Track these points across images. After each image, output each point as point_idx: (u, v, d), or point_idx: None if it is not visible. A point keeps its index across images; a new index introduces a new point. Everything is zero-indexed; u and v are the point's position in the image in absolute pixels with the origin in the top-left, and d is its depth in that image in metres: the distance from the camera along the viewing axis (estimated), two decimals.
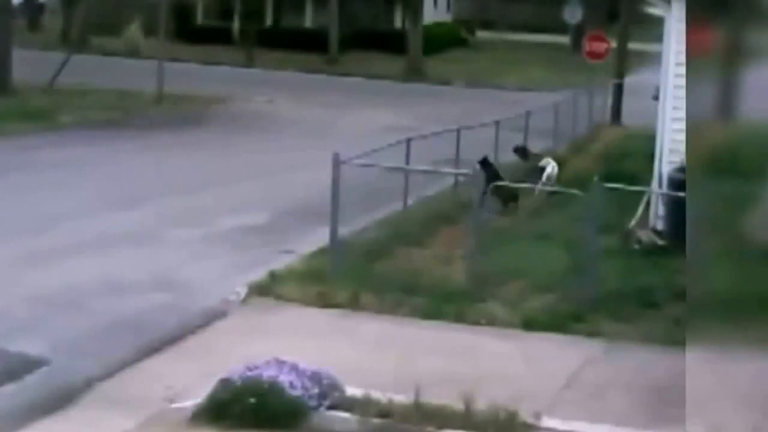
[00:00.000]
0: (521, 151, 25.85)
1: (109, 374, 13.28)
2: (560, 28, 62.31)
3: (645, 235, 19.51)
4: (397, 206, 21.58)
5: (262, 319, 15.62)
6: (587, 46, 39.86)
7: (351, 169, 17.66)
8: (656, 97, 21.41)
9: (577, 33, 55.50)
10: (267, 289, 16.66)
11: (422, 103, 42.41)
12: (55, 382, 12.93)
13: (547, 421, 11.76)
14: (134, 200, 22.74)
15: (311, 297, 16.25)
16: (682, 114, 17.55)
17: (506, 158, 26.96)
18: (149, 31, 51.34)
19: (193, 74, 45.09)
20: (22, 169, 25.62)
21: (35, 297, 15.87)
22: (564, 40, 63.14)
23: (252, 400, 11.58)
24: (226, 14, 61.96)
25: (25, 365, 13.28)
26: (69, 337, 14.39)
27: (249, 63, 54.21)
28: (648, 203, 20.39)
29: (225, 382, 11.87)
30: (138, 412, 12.08)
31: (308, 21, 63.65)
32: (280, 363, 12.01)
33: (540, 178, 23.53)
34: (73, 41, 47.72)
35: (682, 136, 17.64)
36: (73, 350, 13.95)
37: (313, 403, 11.68)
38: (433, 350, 14.26)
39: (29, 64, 39.12)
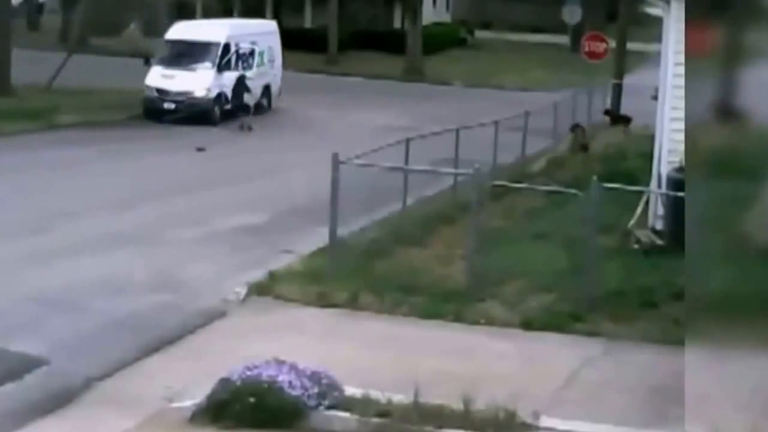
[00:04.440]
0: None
1: (108, 374, 13.30)
2: (560, 28, 62.23)
3: (644, 235, 19.52)
4: (396, 206, 21.58)
5: (261, 319, 15.63)
6: (586, 46, 39.80)
7: (350, 169, 17.67)
8: (655, 97, 21.42)
9: (577, 33, 55.39)
10: (266, 288, 16.68)
11: (421, 103, 42.42)
12: (55, 381, 12.96)
13: (546, 421, 11.77)
14: (134, 200, 22.77)
15: (311, 297, 16.26)
16: (681, 114, 17.56)
17: (505, 158, 27.00)
18: (149, 31, 51.28)
19: None
20: (22, 169, 25.64)
21: (35, 297, 15.88)
22: (563, 40, 63.08)
23: (251, 399, 11.60)
24: (226, 14, 61.93)
25: (25, 365, 13.30)
26: (69, 337, 14.41)
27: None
28: (647, 203, 20.40)
29: (224, 382, 11.88)
30: (137, 411, 12.09)
31: (308, 21, 63.65)
32: (280, 363, 12.03)
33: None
34: (72, 41, 47.63)
35: (681, 136, 17.65)
36: (73, 350, 13.96)
37: (312, 402, 11.69)
38: (433, 350, 14.27)
39: (29, 64, 39.12)
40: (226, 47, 37.31)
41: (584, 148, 30.42)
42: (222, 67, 36.88)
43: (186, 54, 36.86)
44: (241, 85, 36.83)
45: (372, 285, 16.58)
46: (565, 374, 13.55)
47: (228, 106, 36.48)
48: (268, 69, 39.85)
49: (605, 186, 16.69)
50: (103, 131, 32.54)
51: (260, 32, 40.29)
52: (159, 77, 36.37)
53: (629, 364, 14.07)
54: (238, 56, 37.90)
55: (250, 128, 34.71)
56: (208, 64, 36.71)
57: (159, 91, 35.98)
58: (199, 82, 36.10)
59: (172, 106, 35.41)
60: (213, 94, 36.07)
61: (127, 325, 15.06)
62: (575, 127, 31.51)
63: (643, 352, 14.43)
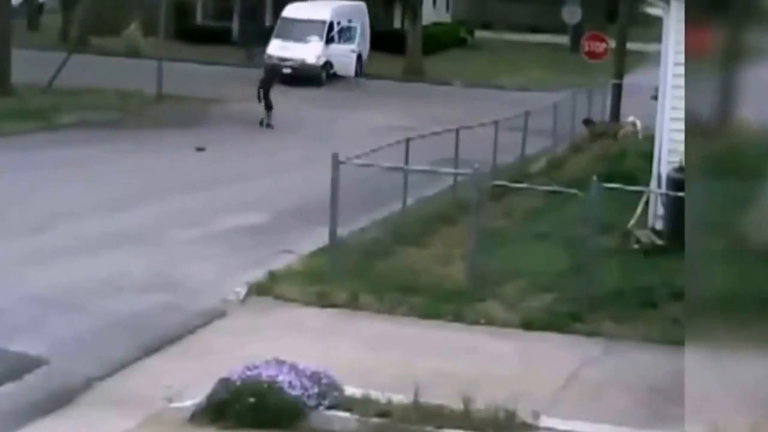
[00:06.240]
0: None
1: (108, 374, 13.31)
2: (560, 28, 62.18)
3: (644, 235, 19.53)
4: (396, 206, 21.58)
5: (261, 318, 15.63)
6: (586, 45, 39.74)
7: (350, 169, 17.67)
8: (655, 98, 21.42)
9: (577, 33, 55.30)
10: (266, 288, 16.69)
11: (421, 103, 42.39)
12: (55, 381, 12.96)
13: (546, 421, 11.78)
14: (134, 200, 22.76)
15: (310, 297, 16.27)
16: (681, 114, 17.56)
17: (505, 158, 26.99)
18: (149, 31, 51.24)
19: (193, 74, 45.06)
20: (22, 169, 25.63)
21: (35, 297, 15.88)
22: (563, 40, 62.99)
23: (251, 399, 11.60)
24: (226, 14, 61.85)
25: (25, 365, 13.30)
26: (69, 337, 14.41)
27: (249, 63, 54.10)
28: (647, 203, 20.40)
29: (224, 382, 11.89)
30: (137, 411, 12.10)
31: None
32: (280, 363, 12.03)
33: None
34: (72, 41, 47.59)
35: (681, 136, 17.65)
36: (73, 350, 13.97)
37: (312, 402, 11.70)
38: (432, 350, 14.27)
39: (29, 64, 39.10)
40: (331, 24, 47.90)
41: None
42: (328, 40, 47.35)
43: (299, 29, 47.07)
44: (272, 77, 39.02)
45: (372, 285, 16.59)
46: (565, 374, 13.55)
47: (333, 70, 47.02)
48: (362, 42, 50.56)
49: (605, 186, 16.71)
50: (102, 131, 32.52)
51: (355, 12, 50.78)
52: (279, 48, 46.12)
53: (629, 364, 14.08)
54: (341, 31, 48.73)
55: (269, 125, 36.30)
56: (317, 37, 47.05)
57: (279, 59, 45.22)
58: (311, 51, 46.43)
59: (289, 70, 44.67)
60: (321, 61, 46.38)
61: (127, 325, 15.06)
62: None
63: (643, 352, 14.44)
